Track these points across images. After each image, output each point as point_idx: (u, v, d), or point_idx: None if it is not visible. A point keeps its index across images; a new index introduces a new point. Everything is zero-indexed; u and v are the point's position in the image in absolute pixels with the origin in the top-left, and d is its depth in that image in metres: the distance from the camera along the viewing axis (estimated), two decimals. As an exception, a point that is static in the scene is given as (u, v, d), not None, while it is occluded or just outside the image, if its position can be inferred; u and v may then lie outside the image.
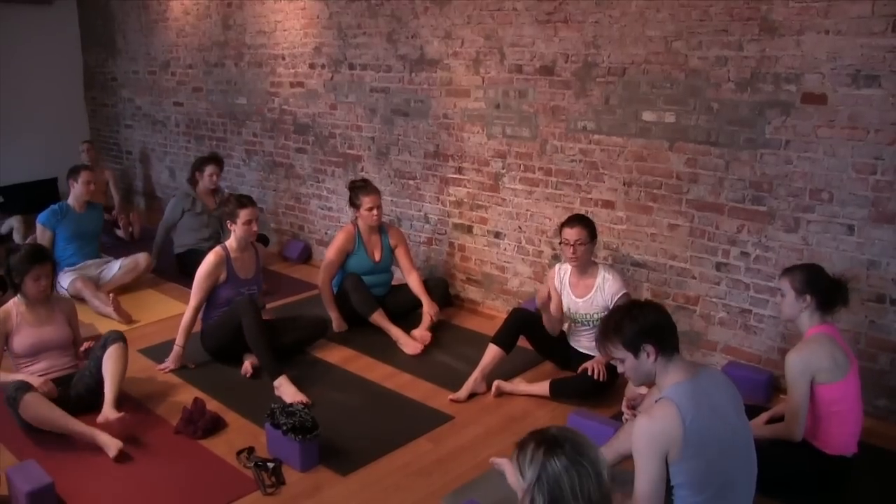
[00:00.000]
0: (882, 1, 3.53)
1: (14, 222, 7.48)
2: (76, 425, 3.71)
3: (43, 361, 4.06)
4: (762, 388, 4.09)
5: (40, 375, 3.96)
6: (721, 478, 2.57)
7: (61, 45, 9.30)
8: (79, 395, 4.04)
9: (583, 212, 4.75)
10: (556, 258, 5.01)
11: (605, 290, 4.19)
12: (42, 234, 5.85)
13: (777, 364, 4.15)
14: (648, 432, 2.51)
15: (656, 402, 2.64)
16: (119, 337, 4.15)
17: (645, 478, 2.51)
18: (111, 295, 5.52)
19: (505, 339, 4.35)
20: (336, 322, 5.17)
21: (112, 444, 3.63)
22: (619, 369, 2.75)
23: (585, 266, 4.26)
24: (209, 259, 4.70)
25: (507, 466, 3.42)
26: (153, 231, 6.82)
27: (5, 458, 3.70)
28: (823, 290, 3.27)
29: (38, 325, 4.05)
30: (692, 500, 2.56)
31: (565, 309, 4.33)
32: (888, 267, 3.75)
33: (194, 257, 5.56)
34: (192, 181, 6.59)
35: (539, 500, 1.91)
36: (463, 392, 4.26)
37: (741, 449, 2.65)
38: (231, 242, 4.79)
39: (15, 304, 4.05)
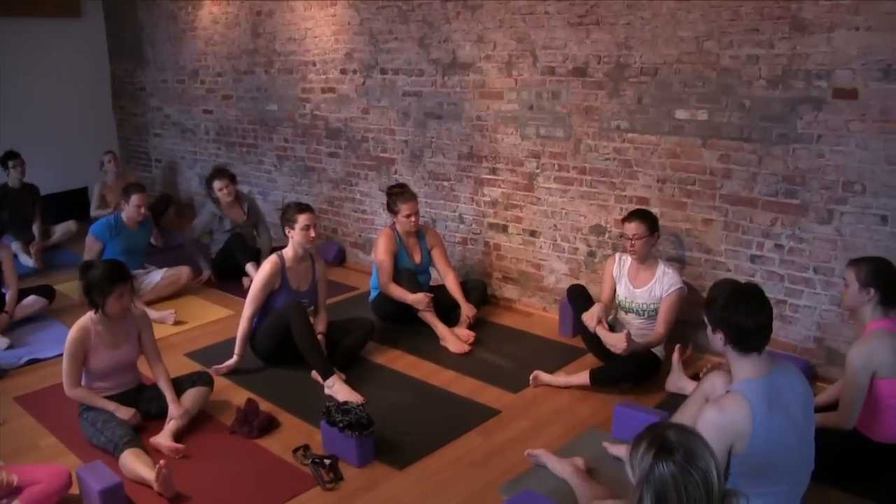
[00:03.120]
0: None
1: (72, 226, 7.76)
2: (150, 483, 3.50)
3: (112, 381, 4.02)
4: (799, 377, 4.16)
5: (108, 395, 3.97)
6: (778, 471, 2.63)
7: (89, 57, 9.50)
8: (148, 413, 4.06)
9: (618, 209, 4.87)
10: (591, 255, 5.12)
11: (663, 281, 4.33)
12: (93, 246, 5.83)
13: (813, 353, 4.26)
14: (718, 423, 2.55)
15: (727, 392, 2.70)
16: (209, 382, 4.24)
17: None
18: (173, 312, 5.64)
19: (583, 304, 4.56)
20: (423, 304, 5.09)
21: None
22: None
23: (645, 258, 4.41)
24: (264, 269, 4.71)
25: (546, 457, 3.54)
26: (179, 238, 6.75)
27: (71, 460, 3.80)
28: (889, 284, 3.29)
29: (113, 346, 3.96)
30: (746, 489, 2.61)
31: (621, 298, 4.50)
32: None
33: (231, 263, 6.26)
34: (214, 199, 6.51)
35: (647, 500, 1.95)
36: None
37: (803, 447, 2.70)
38: (288, 251, 4.80)
39: (92, 321, 3.90)
